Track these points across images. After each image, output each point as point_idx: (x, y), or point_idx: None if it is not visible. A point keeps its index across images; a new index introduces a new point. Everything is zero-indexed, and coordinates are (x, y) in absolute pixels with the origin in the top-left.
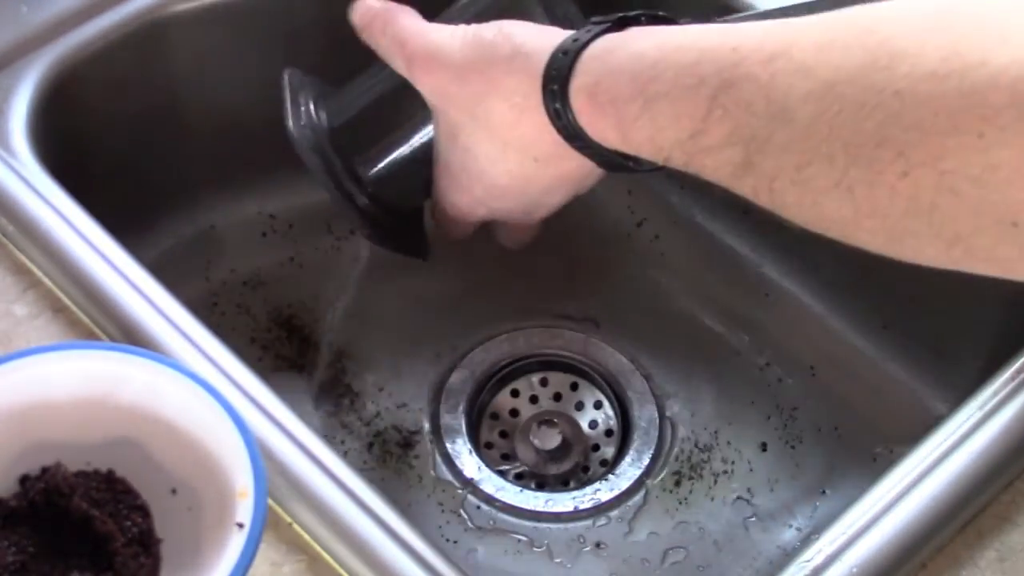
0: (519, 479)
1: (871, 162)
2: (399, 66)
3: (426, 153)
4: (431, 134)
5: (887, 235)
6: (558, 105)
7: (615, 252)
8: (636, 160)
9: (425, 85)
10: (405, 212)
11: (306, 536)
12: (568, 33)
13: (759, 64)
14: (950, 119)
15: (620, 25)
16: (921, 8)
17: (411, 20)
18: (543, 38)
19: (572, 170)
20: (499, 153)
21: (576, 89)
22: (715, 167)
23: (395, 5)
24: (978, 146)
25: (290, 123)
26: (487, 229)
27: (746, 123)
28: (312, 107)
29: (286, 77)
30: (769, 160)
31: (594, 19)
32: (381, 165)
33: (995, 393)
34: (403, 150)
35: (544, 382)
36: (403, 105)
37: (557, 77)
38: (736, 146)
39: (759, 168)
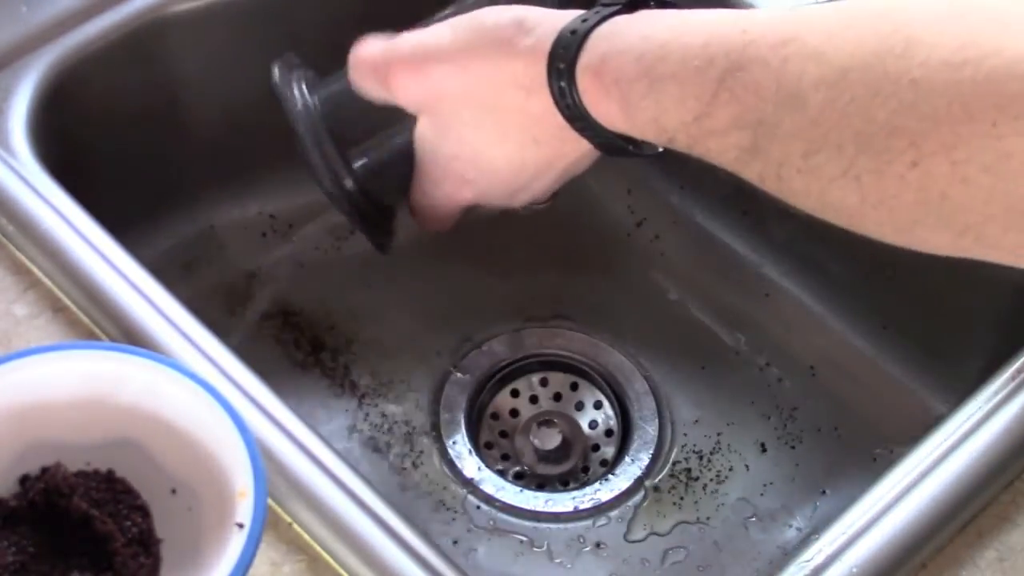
0: (519, 479)
1: (881, 151)
2: (373, 90)
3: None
4: None
5: (894, 224)
6: (563, 83)
7: (615, 252)
8: (636, 144)
9: (411, 92)
10: (383, 205)
11: (306, 536)
12: (577, 13)
13: (770, 48)
14: (964, 108)
15: (630, 8)
16: None
17: (372, 41)
18: (551, 19)
19: (567, 154)
20: (499, 136)
21: (582, 68)
22: (720, 151)
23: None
24: (991, 135)
25: (276, 75)
26: (465, 225)
27: (754, 107)
28: (304, 86)
29: (278, 63)
30: (776, 146)
31: (604, 1)
32: (368, 156)
33: (995, 393)
34: (395, 142)
35: (544, 382)
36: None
37: (564, 56)
38: (743, 131)
39: (766, 154)
